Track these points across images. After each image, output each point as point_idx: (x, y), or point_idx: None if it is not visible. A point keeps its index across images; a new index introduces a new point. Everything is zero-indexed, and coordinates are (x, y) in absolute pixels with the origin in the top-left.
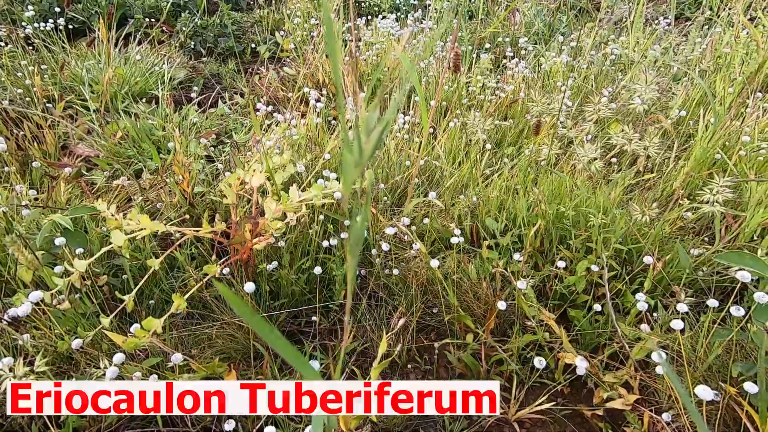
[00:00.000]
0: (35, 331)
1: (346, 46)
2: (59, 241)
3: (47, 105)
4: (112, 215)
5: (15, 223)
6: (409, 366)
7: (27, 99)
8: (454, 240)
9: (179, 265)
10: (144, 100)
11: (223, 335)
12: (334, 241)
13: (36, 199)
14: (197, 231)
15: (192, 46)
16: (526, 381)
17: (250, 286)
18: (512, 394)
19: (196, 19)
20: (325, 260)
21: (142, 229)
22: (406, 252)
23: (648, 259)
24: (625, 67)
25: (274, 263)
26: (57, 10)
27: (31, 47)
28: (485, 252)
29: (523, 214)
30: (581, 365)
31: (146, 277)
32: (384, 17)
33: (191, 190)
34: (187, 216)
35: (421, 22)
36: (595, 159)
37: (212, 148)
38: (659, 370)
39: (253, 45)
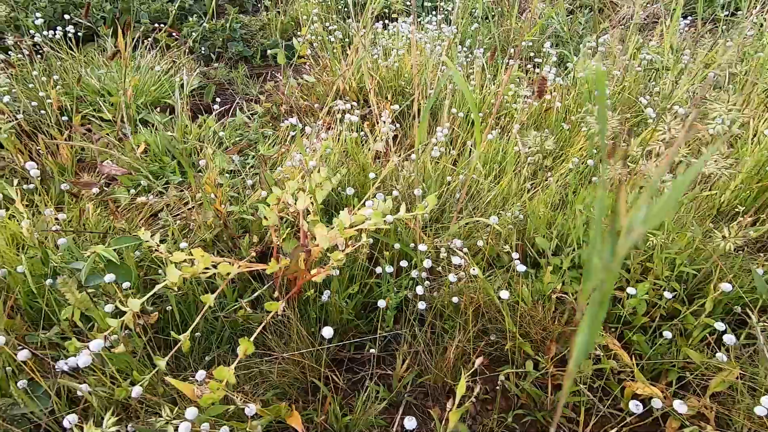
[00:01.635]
0: (89, 377)
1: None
2: (109, 278)
3: (61, 117)
4: (169, 252)
5: (50, 252)
6: (466, 394)
7: (42, 111)
8: (516, 264)
9: (221, 293)
10: (158, 109)
11: (277, 370)
12: (389, 269)
13: (58, 220)
14: (265, 268)
15: (201, 52)
16: (593, 411)
17: (328, 331)
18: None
19: (204, 23)
20: (374, 285)
21: (207, 268)
22: (446, 273)
23: (726, 286)
24: (659, 72)
25: (327, 293)
26: (67, 17)
27: (39, 56)
28: (547, 276)
29: (579, 233)
30: (657, 402)
31: (201, 314)
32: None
33: (225, 210)
34: (215, 236)
35: (441, 27)
36: (666, 180)
37: (235, 161)
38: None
39: (262, 49)
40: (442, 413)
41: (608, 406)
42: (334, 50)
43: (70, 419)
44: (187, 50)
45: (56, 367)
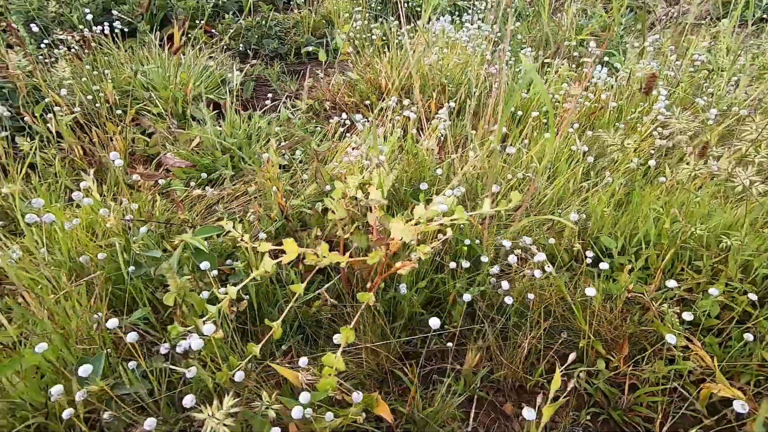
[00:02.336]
0: (184, 361)
1: (402, 48)
2: (204, 265)
3: (115, 110)
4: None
5: (132, 242)
6: (540, 392)
7: (96, 104)
8: (588, 262)
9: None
10: (202, 104)
11: (352, 360)
12: (465, 263)
13: (132, 210)
14: (364, 259)
15: (238, 48)
16: (669, 412)
17: (435, 321)
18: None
19: (240, 20)
20: (438, 281)
21: (323, 258)
22: (509, 270)
23: None
24: (713, 74)
25: (403, 286)
26: (113, 12)
27: (84, 51)
28: (624, 276)
29: (652, 234)
30: (738, 405)
31: (292, 303)
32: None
33: (287, 203)
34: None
35: (479, 26)
36: (755, 182)
37: (285, 156)
38: None
39: (296, 47)
40: (514, 409)
41: (685, 408)
42: (378, 48)
43: (188, 399)
44: (224, 47)
45: (159, 350)
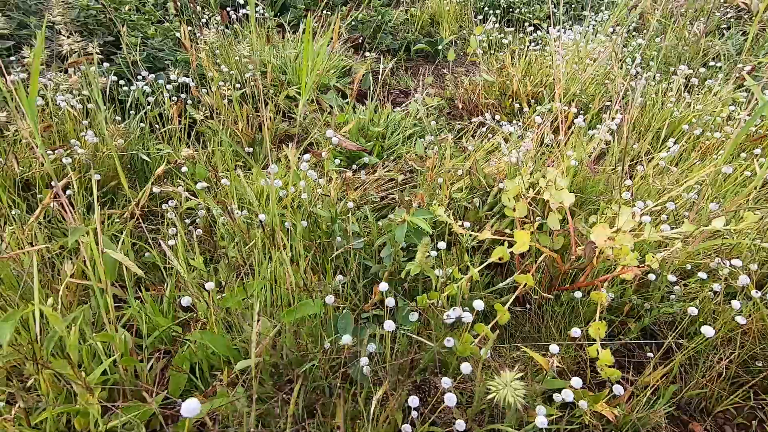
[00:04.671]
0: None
1: (525, 56)
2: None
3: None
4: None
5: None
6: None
7: (252, 85)
8: None
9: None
10: (331, 91)
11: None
12: (672, 277)
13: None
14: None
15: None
16: None
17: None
18: None
19: (359, 14)
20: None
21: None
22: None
23: None
24: None
25: (610, 295)
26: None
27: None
28: None
29: None
30: None
31: (518, 291)
32: (539, 28)
33: (451, 194)
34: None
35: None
36: None
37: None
38: None
39: (406, 43)
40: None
41: None
42: (511, 52)
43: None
44: (339, 37)
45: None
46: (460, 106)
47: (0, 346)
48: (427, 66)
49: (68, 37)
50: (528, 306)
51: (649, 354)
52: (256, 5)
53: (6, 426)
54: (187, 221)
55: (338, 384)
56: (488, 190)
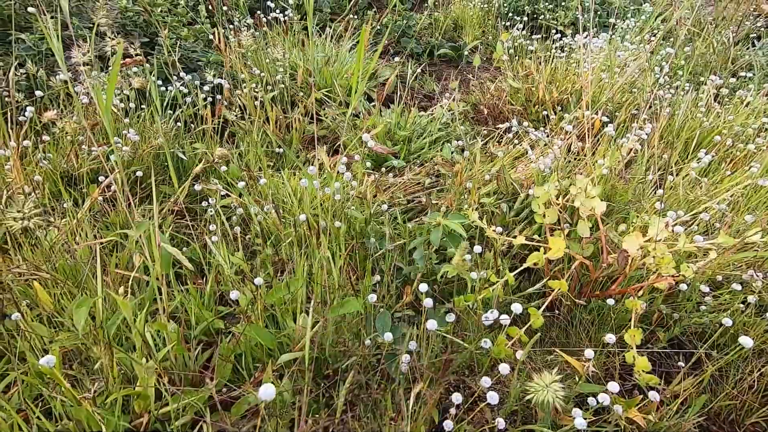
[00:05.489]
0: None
1: (551, 62)
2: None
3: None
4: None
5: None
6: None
7: (282, 86)
8: None
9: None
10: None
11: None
12: (705, 288)
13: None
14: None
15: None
16: None
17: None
18: None
19: (383, 18)
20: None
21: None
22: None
23: None
24: None
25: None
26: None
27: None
28: None
29: None
30: None
31: (550, 298)
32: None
33: (478, 199)
34: None
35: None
36: None
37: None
38: None
39: (430, 48)
40: None
41: None
42: (537, 59)
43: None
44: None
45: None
46: (486, 112)
47: (76, 329)
48: (450, 70)
49: (113, 39)
50: (556, 311)
51: (680, 363)
52: (283, 9)
53: (85, 404)
54: (224, 218)
55: (376, 380)
56: (515, 195)
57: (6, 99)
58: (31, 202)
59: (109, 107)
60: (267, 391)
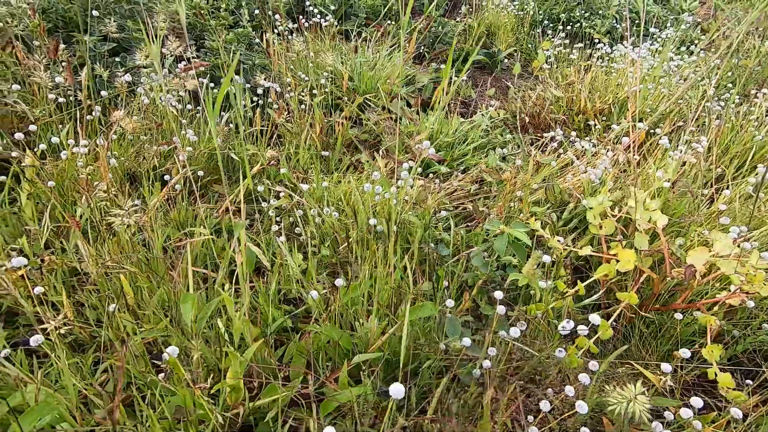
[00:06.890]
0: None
1: (587, 71)
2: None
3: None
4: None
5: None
6: None
7: (325, 91)
8: None
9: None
10: (396, 100)
11: None
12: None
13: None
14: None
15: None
16: None
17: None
18: None
19: (418, 24)
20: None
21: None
22: None
23: None
24: None
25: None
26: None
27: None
28: None
29: None
30: None
31: (622, 306)
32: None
33: (528, 208)
34: None
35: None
36: None
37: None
38: None
39: (464, 54)
40: None
41: None
42: (577, 67)
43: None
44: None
45: None
46: (527, 120)
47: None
48: (485, 77)
49: (173, 42)
50: (614, 323)
51: (748, 381)
52: (323, 14)
53: (198, 393)
54: (278, 219)
55: (446, 384)
56: (562, 205)
57: (75, 99)
58: (130, 200)
59: (215, 115)
60: (397, 390)
